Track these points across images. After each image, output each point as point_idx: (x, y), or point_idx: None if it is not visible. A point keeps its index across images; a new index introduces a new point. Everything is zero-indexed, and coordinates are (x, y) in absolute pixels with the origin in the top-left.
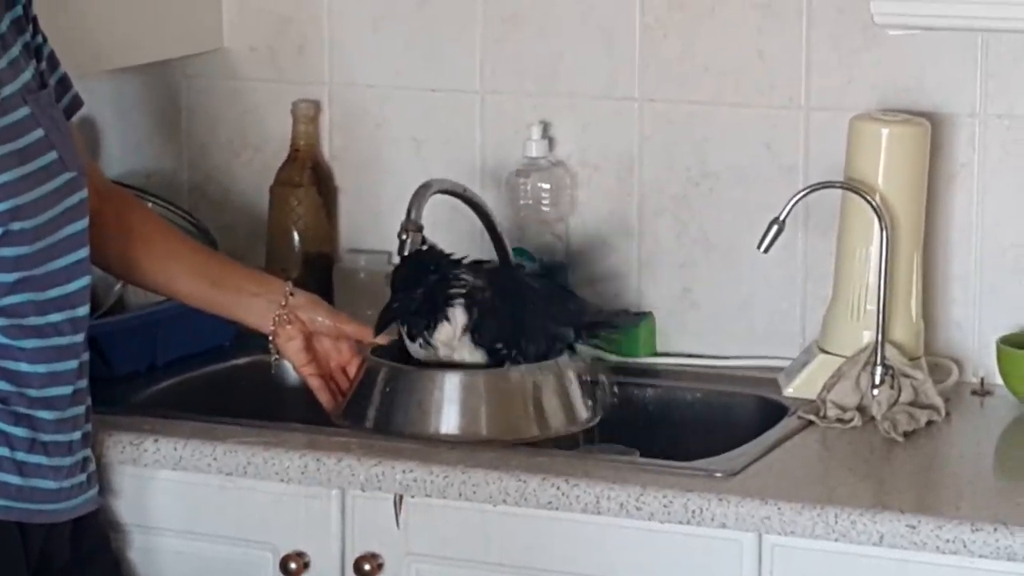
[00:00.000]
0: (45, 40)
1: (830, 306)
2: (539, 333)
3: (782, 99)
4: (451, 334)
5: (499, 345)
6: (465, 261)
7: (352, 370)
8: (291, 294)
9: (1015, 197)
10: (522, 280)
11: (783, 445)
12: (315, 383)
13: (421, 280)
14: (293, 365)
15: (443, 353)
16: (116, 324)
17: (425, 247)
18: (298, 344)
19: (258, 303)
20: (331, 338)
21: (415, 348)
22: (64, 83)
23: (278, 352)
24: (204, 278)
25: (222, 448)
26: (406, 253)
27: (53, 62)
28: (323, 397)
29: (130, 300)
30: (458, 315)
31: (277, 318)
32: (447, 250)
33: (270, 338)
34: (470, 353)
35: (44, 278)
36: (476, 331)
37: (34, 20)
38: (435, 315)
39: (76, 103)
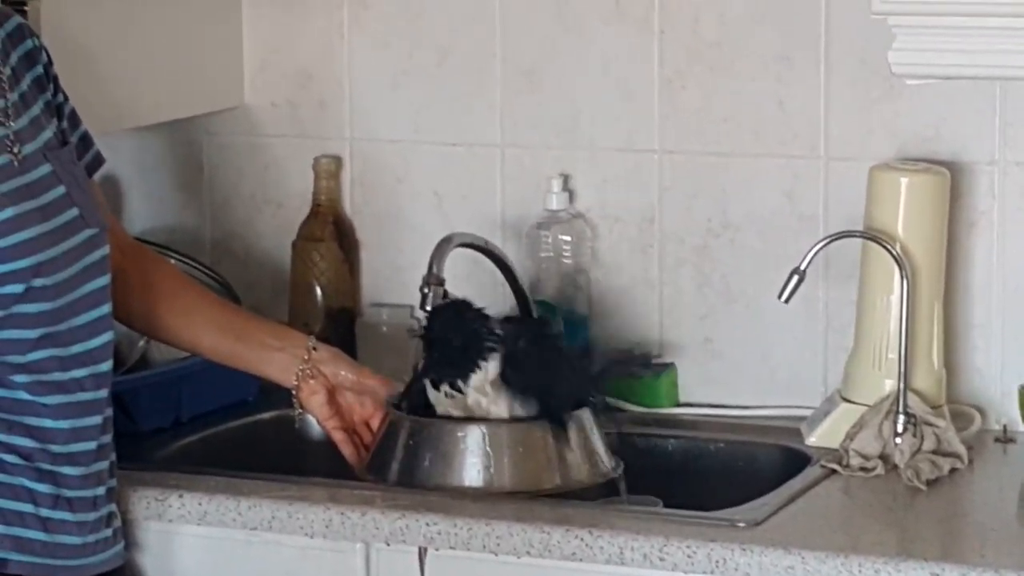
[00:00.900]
0: (66, 99)
1: (852, 355)
2: (567, 383)
3: (802, 149)
4: (482, 380)
5: (529, 393)
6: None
7: (375, 424)
8: (314, 348)
9: None
10: (547, 332)
11: (806, 494)
12: (338, 437)
13: (458, 330)
14: (316, 419)
15: (471, 400)
16: (140, 380)
17: (451, 299)
18: (321, 398)
19: (281, 357)
20: (354, 392)
21: (438, 396)
22: (86, 140)
23: (301, 406)
24: (227, 333)
25: (247, 503)
26: (430, 307)
27: (75, 120)
28: (347, 451)
29: (154, 356)
30: (491, 365)
31: (300, 372)
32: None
33: (293, 392)
34: (495, 403)
35: (67, 334)
36: (507, 379)
37: (55, 79)
38: (471, 365)
39: (98, 160)
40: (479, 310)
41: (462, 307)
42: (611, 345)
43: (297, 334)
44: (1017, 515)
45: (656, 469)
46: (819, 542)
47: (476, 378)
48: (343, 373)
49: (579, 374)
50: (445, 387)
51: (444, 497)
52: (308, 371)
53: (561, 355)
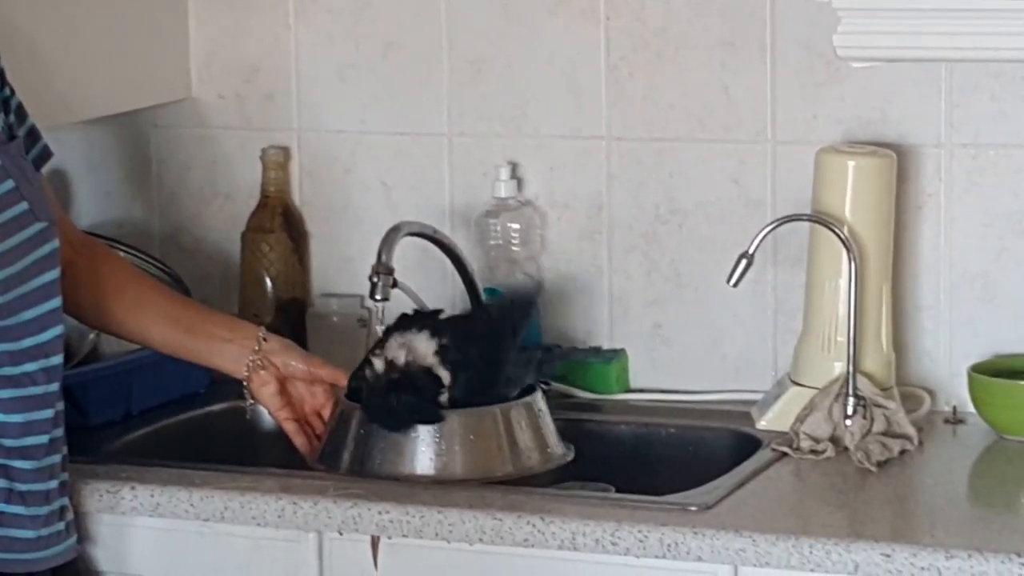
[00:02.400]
0: (13, 92)
1: (801, 338)
2: (510, 379)
3: (748, 134)
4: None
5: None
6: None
7: (326, 413)
8: (264, 339)
9: (982, 226)
10: (488, 326)
11: (757, 477)
12: (290, 427)
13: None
14: (268, 410)
15: None
16: (91, 373)
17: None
18: (272, 389)
19: (231, 349)
20: (305, 382)
21: None
22: (33, 134)
23: (253, 397)
24: (177, 325)
25: (199, 494)
26: (379, 296)
27: (21, 114)
28: (298, 441)
29: (104, 349)
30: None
31: (251, 363)
32: (418, 291)
33: (244, 384)
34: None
35: (17, 328)
36: (454, 396)
37: (1, 72)
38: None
39: (46, 154)
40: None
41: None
42: (560, 333)
43: (247, 325)
44: (967, 495)
45: (607, 455)
46: (770, 525)
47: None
48: (293, 363)
49: (516, 364)
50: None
51: (396, 485)
52: (258, 362)
53: (502, 354)
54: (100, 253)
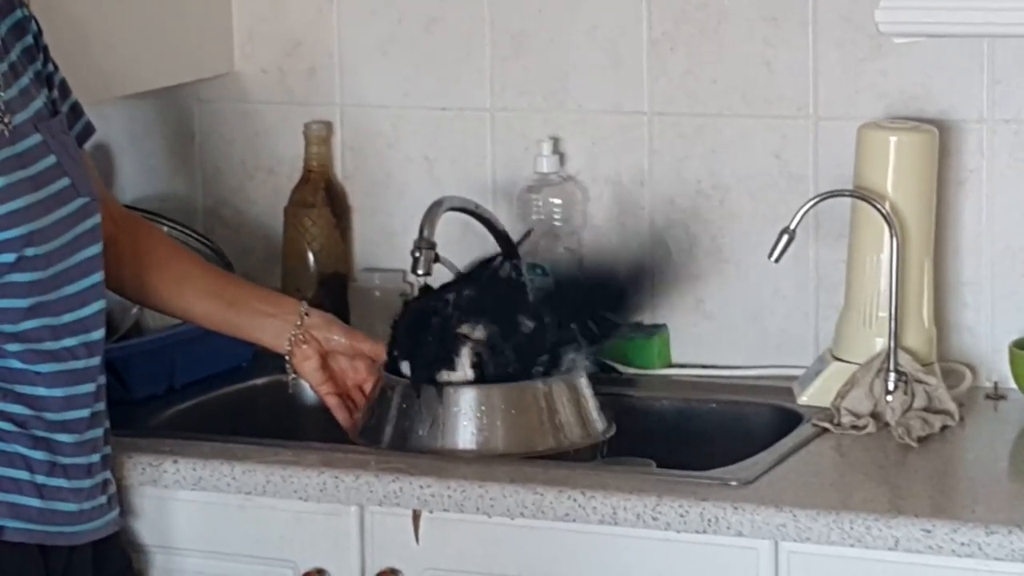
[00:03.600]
0: (56, 68)
1: (842, 314)
2: (545, 347)
3: (790, 109)
4: (461, 379)
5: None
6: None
7: (368, 388)
8: (306, 314)
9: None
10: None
11: (798, 453)
12: (332, 401)
13: (421, 331)
14: (310, 384)
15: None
16: (134, 347)
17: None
18: (314, 363)
19: (273, 323)
20: (347, 357)
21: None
22: (76, 110)
23: (295, 372)
24: (219, 300)
25: (241, 468)
26: (420, 271)
27: (65, 90)
28: (340, 415)
29: (147, 323)
30: (464, 363)
31: (293, 338)
32: (459, 266)
33: (286, 358)
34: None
35: (59, 303)
36: (483, 373)
37: (45, 49)
38: (438, 367)
39: (88, 130)
40: (446, 299)
41: (427, 303)
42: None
43: (289, 300)
44: (1008, 471)
45: (649, 430)
46: (811, 500)
47: (454, 377)
48: (336, 338)
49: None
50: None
51: (437, 460)
52: (301, 336)
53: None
54: (142, 229)
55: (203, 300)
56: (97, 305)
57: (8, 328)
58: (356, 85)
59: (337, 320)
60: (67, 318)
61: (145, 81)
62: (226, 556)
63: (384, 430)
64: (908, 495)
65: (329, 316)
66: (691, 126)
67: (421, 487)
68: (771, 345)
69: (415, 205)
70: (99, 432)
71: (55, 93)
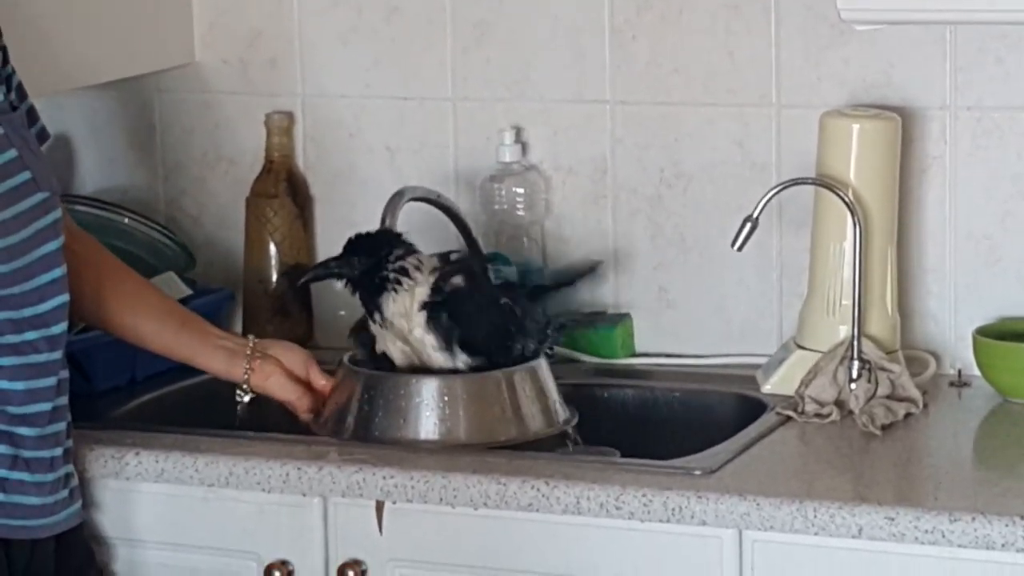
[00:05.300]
0: (14, 71)
1: (806, 302)
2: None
3: (753, 98)
4: (406, 308)
5: (453, 335)
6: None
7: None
8: (257, 342)
9: (987, 188)
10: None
11: (762, 441)
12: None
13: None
14: (282, 400)
15: (397, 327)
16: (95, 340)
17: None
18: (281, 378)
19: (225, 348)
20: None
21: (377, 330)
22: (32, 114)
23: (254, 393)
24: (171, 318)
25: (203, 460)
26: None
27: (22, 93)
28: (302, 406)
29: None
30: (418, 291)
31: (248, 360)
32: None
33: (243, 385)
34: (421, 334)
35: (19, 297)
36: (431, 315)
37: (4, 49)
38: (382, 285)
39: (43, 135)
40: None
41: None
42: (566, 300)
43: (239, 335)
44: (971, 459)
45: (612, 419)
46: (775, 489)
47: (400, 304)
48: (293, 361)
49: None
50: (376, 313)
51: (400, 450)
52: (257, 355)
53: (493, 296)
54: (97, 247)
55: (155, 319)
56: (58, 300)
57: None
58: (317, 75)
59: (294, 346)
60: (28, 312)
61: (105, 72)
62: (189, 548)
63: (346, 421)
64: (872, 483)
65: (284, 342)
66: (653, 115)
67: (384, 478)
68: (735, 333)
69: (377, 195)
70: (61, 426)
71: (13, 95)
